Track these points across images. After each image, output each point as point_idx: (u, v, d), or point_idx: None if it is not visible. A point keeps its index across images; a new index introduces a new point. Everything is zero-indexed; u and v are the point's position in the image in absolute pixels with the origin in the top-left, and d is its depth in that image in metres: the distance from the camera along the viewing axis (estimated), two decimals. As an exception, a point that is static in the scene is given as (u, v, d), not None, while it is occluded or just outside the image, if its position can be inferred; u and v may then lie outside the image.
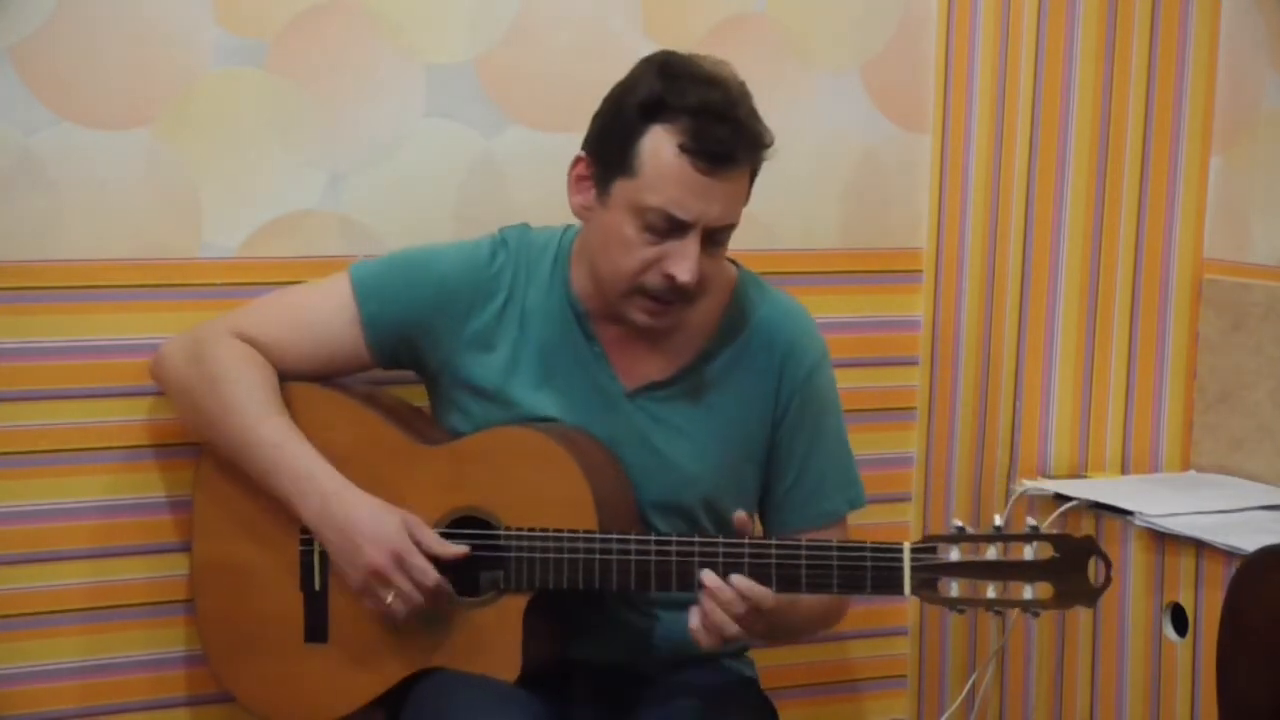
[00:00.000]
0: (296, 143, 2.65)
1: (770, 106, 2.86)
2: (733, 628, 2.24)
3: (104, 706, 2.63)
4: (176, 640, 2.63)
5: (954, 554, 2.22)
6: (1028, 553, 2.21)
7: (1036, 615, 2.34)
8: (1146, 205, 2.84)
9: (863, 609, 2.96)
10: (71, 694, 2.62)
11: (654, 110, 2.31)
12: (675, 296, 2.35)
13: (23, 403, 2.56)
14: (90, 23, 2.52)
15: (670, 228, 2.32)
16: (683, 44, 2.79)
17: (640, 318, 2.38)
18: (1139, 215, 2.84)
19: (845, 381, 2.96)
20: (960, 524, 2.23)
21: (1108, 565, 2.22)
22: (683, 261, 2.32)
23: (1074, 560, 2.21)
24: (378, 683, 2.41)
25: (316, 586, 2.43)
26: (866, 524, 2.60)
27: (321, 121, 2.65)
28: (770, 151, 2.37)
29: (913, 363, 3.03)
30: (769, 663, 2.76)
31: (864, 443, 2.98)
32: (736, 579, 2.24)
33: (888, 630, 3.07)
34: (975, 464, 2.93)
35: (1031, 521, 2.23)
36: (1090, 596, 2.22)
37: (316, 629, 2.44)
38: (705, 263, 2.34)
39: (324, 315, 2.48)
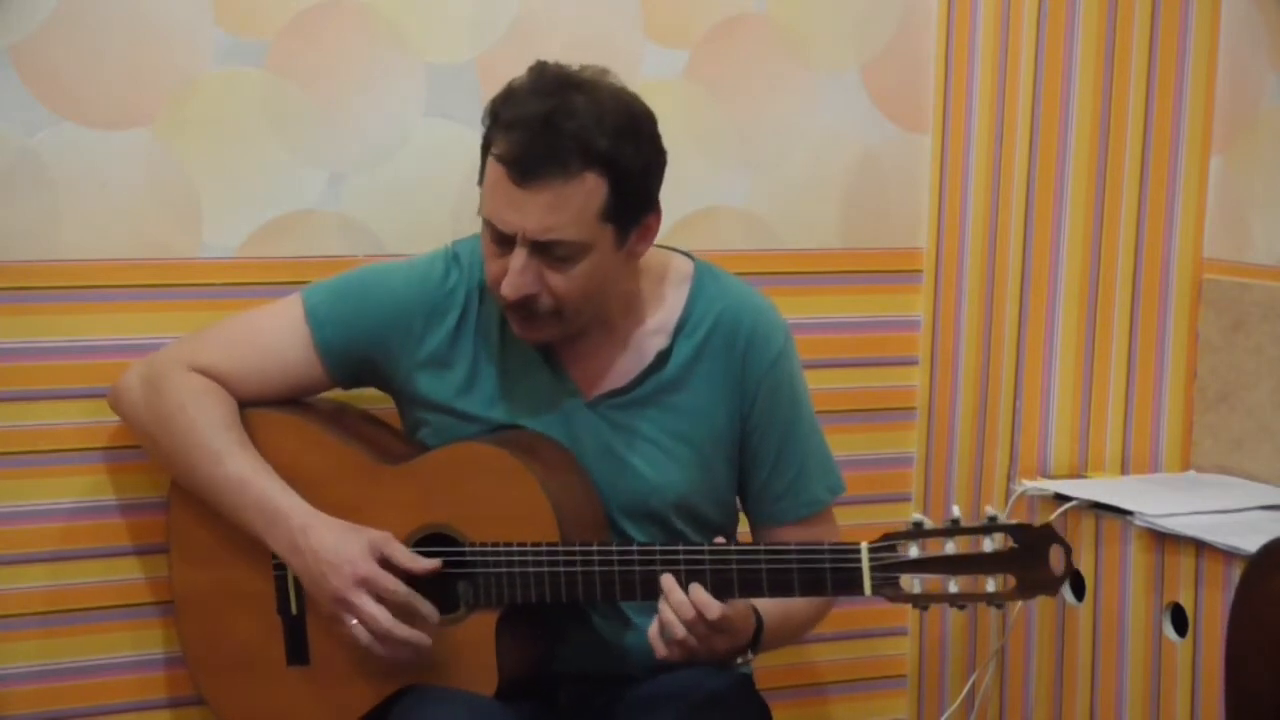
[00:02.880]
0: (296, 143, 2.65)
1: (770, 106, 2.88)
2: (680, 630, 2.21)
3: (102, 706, 2.64)
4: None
5: (914, 550, 2.20)
6: (988, 544, 2.19)
7: (1000, 607, 2.33)
8: (1146, 205, 2.84)
9: (863, 609, 2.96)
10: (69, 694, 2.62)
11: (493, 121, 2.31)
12: (520, 311, 2.33)
13: (23, 403, 2.56)
14: (90, 23, 2.52)
15: (500, 239, 2.30)
16: (683, 44, 2.81)
17: (516, 329, 2.37)
18: (1139, 215, 2.84)
19: (845, 381, 2.97)
20: (919, 518, 2.21)
21: (1068, 552, 2.19)
22: (508, 275, 2.30)
23: (1035, 550, 2.18)
24: (361, 702, 2.39)
25: (294, 611, 2.42)
26: (866, 524, 2.59)
27: (321, 121, 2.65)
28: (610, 157, 2.26)
29: (913, 363, 3.03)
30: (769, 662, 2.76)
31: (864, 443, 2.99)
32: (691, 586, 2.23)
33: (888, 630, 3.06)
34: (975, 464, 2.93)
35: (990, 511, 2.21)
36: (1053, 585, 2.20)
37: (298, 652, 2.43)
38: (556, 279, 2.30)
39: (279, 343, 2.45)
